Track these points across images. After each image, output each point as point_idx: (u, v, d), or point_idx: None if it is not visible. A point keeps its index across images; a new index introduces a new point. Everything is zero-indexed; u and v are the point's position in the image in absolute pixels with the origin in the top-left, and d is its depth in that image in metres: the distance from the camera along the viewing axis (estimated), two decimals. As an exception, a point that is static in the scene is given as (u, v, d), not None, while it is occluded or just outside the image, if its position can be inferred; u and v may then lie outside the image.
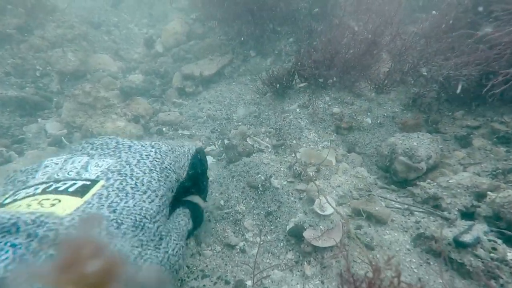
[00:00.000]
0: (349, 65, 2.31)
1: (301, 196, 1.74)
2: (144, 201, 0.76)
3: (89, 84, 2.16)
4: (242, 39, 3.21)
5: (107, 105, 2.16)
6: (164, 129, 2.32)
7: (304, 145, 2.10)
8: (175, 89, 2.72)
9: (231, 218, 1.76)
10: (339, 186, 1.69)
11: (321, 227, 1.46)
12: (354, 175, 1.73)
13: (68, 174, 0.82)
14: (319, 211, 1.52)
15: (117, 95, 2.43)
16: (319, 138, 2.14)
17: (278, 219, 1.69)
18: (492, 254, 1.17)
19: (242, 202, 1.87)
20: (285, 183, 1.85)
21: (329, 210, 1.51)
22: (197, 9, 3.99)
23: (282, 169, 1.97)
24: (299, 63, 2.40)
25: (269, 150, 2.16)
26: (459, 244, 1.23)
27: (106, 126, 2.02)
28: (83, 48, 2.84)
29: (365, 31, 2.32)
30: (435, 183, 1.60)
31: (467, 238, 1.23)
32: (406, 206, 1.55)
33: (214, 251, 1.49)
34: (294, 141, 2.15)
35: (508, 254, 1.19)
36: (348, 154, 2.02)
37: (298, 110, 2.35)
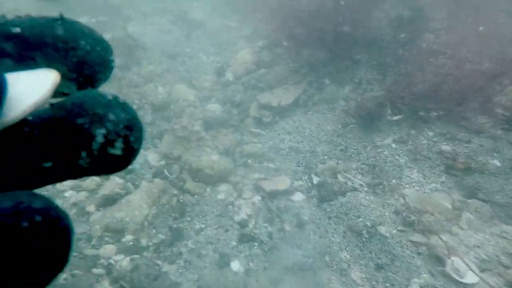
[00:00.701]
0: (460, 96, 2.08)
1: (420, 251, 1.53)
2: None
3: (186, 118, 2.24)
4: (315, 66, 3.14)
5: (199, 137, 2.21)
6: (249, 161, 2.30)
7: (407, 186, 1.90)
8: (252, 119, 2.72)
9: (335, 267, 1.61)
10: (479, 246, 1.45)
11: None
12: (499, 234, 1.48)
13: None
14: (455, 276, 1.30)
15: (201, 125, 2.50)
16: (424, 179, 1.92)
17: (394, 276, 1.50)
18: None
19: (345, 249, 1.71)
20: (394, 231, 1.66)
21: (471, 278, 1.29)
22: (262, 37, 4.06)
23: (386, 213, 1.78)
24: (391, 92, 2.24)
25: (365, 189, 1.99)
26: None
27: (202, 159, 2.04)
28: (168, 80, 3.00)
29: (473, 58, 2.09)
30: None
31: None
32: None
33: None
34: (394, 181, 1.96)
35: None
36: (468, 200, 1.77)
37: (393, 145, 2.17)
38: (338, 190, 1.98)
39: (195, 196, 2.04)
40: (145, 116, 2.56)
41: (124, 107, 0.25)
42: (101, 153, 0.24)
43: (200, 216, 1.97)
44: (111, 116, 0.25)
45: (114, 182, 1.89)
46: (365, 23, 2.71)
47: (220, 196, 2.09)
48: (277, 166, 2.32)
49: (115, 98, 0.26)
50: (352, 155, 2.23)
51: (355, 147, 2.29)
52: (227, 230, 1.89)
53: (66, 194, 1.89)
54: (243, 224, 1.92)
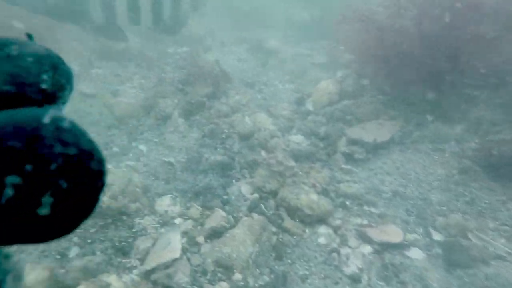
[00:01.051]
0: None
1: None
2: None
3: (280, 153, 2.11)
4: (411, 100, 2.84)
5: (293, 173, 2.03)
6: (347, 202, 2.04)
7: None
8: (341, 154, 2.49)
9: None
10: None
11: None
12: None
13: None
14: None
15: (290, 159, 2.34)
16: None
17: None
18: None
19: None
20: None
21: None
22: (341, 66, 3.90)
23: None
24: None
25: None
26: None
27: (301, 198, 1.86)
28: (251, 110, 2.94)
29: None
30: None
31: None
32: None
33: None
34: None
35: None
36: None
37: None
38: (476, 256, 1.59)
39: (294, 237, 1.83)
40: (234, 146, 2.49)
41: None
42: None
43: (302, 260, 1.75)
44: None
45: (218, 214, 1.79)
46: (485, 53, 2.38)
47: (321, 240, 1.85)
48: (381, 212, 2.02)
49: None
50: (485, 211, 1.83)
51: (486, 201, 1.89)
52: (337, 283, 1.63)
53: (176, 221, 1.82)
54: (355, 279, 1.63)
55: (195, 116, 2.96)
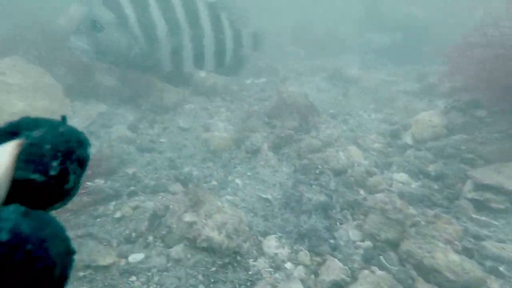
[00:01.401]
0: None
1: None
2: None
3: (399, 200, 1.96)
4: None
5: (414, 222, 1.84)
6: (501, 268, 1.73)
7: None
8: (468, 201, 2.18)
9: None
10: None
11: None
12: None
13: None
14: None
15: (403, 202, 2.14)
16: None
17: None
18: None
19: None
20: None
21: None
22: (439, 94, 3.56)
23: None
24: None
25: None
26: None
27: (437, 257, 1.65)
28: (342, 143, 2.84)
29: None
30: None
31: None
32: None
33: None
34: None
35: None
36: None
37: None
38: None
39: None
40: (330, 183, 2.40)
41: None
42: None
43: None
44: None
45: (335, 265, 1.69)
46: None
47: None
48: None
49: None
50: None
51: None
52: None
53: (287, 265, 1.79)
54: None
55: (284, 150, 2.99)
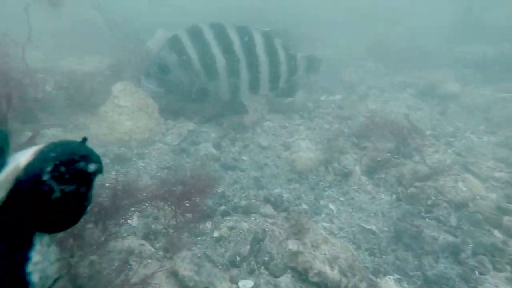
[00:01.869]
0: None
1: None
2: None
3: None
4: None
5: None
6: None
7: None
8: None
9: None
10: None
11: None
12: None
13: None
14: None
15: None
16: None
17: None
18: None
19: None
20: None
21: None
22: None
23: None
24: None
25: None
26: None
27: None
28: (459, 172, 2.48)
29: None
30: None
31: None
32: None
33: None
34: None
35: None
36: None
37: None
38: None
39: None
40: (450, 218, 2.10)
41: None
42: None
43: None
44: None
45: None
46: None
47: None
48: None
49: None
50: None
51: None
52: None
53: None
54: None
55: (380, 174, 2.76)
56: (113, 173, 2.39)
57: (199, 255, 1.83)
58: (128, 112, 3.30)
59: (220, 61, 2.21)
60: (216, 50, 2.19)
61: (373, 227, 2.17)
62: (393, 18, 6.44)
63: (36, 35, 2.36)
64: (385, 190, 2.59)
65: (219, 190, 3.00)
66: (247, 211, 2.65)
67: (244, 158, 3.63)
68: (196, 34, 2.25)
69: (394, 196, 2.47)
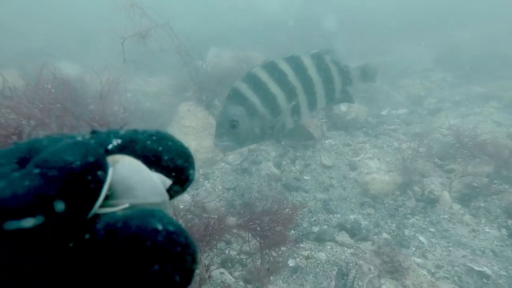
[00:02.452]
0: None
1: None
2: None
3: None
4: None
5: None
6: None
7: None
8: None
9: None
10: None
11: None
12: None
13: None
14: None
15: None
16: None
17: None
18: None
19: None
20: None
21: None
22: None
23: None
24: None
25: None
26: None
27: None
28: None
29: None
30: None
31: None
32: None
33: None
34: None
35: None
36: None
37: None
38: None
39: None
40: None
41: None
42: None
43: None
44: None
45: None
46: None
47: None
48: None
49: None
50: None
51: None
52: None
53: None
54: None
55: (478, 203, 2.38)
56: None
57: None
58: (193, 132, 3.34)
59: (281, 97, 2.33)
60: (275, 89, 2.30)
61: (486, 270, 1.82)
62: (462, 21, 5.88)
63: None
64: (488, 222, 2.20)
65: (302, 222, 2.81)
66: (320, 239, 2.44)
67: (306, 178, 3.45)
68: (254, 80, 2.30)
69: (504, 231, 2.08)
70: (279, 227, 1.77)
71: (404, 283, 1.66)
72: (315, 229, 2.56)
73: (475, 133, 2.76)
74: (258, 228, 1.70)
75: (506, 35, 4.82)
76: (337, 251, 2.29)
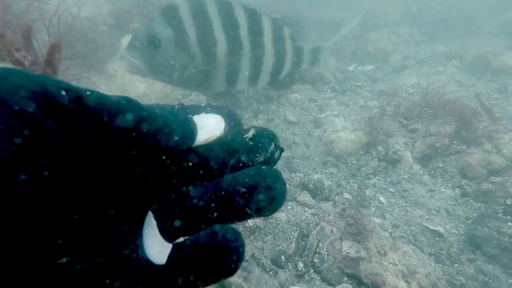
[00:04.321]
0: None
1: None
2: None
3: None
4: None
5: None
6: None
7: None
8: None
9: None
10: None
11: None
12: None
13: None
14: None
15: None
16: None
17: None
18: None
19: None
20: None
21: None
22: None
23: None
24: None
25: None
26: None
27: None
28: None
29: None
30: None
31: None
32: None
33: None
34: None
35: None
36: None
37: None
38: None
39: None
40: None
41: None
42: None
43: None
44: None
45: None
46: None
47: None
48: None
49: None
50: None
51: None
52: None
53: None
54: None
55: (437, 163, 2.40)
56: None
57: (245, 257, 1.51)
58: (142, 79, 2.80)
59: (222, 45, 1.85)
60: (219, 32, 1.82)
61: (439, 228, 1.85)
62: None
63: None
64: (444, 182, 2.24)
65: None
66: (282, 199, 2.32)
67: (269, 134, 3.23)
68: (199, 9, 1.78)
69: (457, 191, 2.13)
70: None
71: (367, 245, 1.60)
72: (277, 189, 2.42)
73: (441, 93, 2.71)
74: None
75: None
76: (297, 211, 2.19)
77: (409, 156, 2.46)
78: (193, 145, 0.28)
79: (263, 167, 0.29)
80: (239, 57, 1.87)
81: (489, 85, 3.29)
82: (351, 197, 2.30)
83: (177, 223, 0.26)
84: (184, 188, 0.27)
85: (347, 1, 6.12)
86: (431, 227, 1.87)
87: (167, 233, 0.26)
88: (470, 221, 1.87)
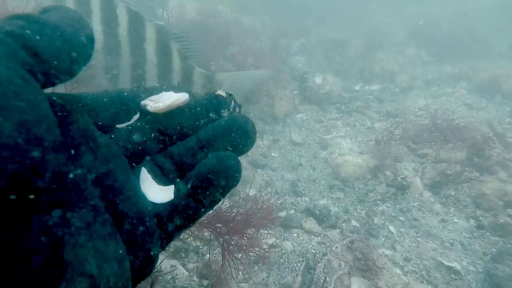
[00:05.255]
0: None
1: None
2: None
3: None
4: None
5: None
6: None
7: None
8: None
9: None
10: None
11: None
12: None
13: None
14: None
15: None
16: None
17: None
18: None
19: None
20: None
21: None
22: None
23: None
24: None
25: None
26: None
27: None
28: None
29: None
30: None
31: None
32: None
33: None
34: None
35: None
36: None
37: None
38: None
39: None
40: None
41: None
42: None
43: None
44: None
45: None
46: None
47: None
48: None
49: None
50: None
51: None
52: None
53: None
54: None
55: (449, 191, 2.31)
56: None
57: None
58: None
59: (98, 38, 1.67)
60: (97, 25, 1.64)
61: (455, 265, 1.74)
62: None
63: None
64: (457, 212, 2.14)
65: (251, 194, 2.56)
66: (286, 225, 2.24)
67: (274, 154, 3.18)
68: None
69: (472, 222, 2.03)
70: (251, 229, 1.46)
71: (377, 284, 1.50)
72: (282, 214, 2.34)
73: (451, 117, 2.65)
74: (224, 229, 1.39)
75: (471, 15, 4.76)
76: (303, 240, 2.10)
77: (419, 182, 2.37)
78: (166, 110, 0.32)
79: (234, 114, 0.34)
80: (117, 62, 1.67)
81: (501, 108, 3.22)
82: (358, 225, 2.21)
83: (168, 165, 0.31)
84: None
85: (355, 20, 6.18)
86: (446, 263, 1.76)
87: (164, 179, 0.30)
88: (488, 257, 1.76)
